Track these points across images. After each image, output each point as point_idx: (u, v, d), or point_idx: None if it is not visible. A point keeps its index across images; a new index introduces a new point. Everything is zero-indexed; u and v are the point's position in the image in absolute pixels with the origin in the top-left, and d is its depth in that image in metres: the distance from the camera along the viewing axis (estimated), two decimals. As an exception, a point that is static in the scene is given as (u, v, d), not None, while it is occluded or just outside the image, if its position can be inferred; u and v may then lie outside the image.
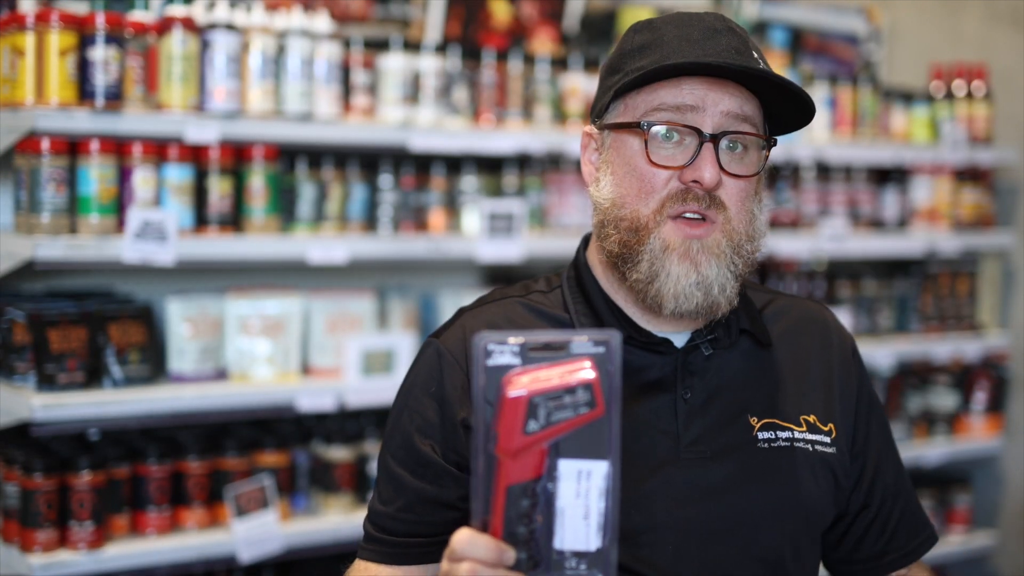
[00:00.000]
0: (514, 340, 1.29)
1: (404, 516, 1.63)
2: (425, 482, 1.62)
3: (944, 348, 4.25)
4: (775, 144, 1.65)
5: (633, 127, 1.62)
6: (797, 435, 1.67)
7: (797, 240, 3.88)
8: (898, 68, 4.91)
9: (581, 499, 1.29)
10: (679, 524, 1.60)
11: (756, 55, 1.62)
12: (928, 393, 4.34)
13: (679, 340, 1.67)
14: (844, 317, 3.83)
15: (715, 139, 1.58)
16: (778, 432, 1.67)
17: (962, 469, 4.47)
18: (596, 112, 1.70)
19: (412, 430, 1.65)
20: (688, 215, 1.58)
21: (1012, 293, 4.55)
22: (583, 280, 1.72)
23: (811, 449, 1.67)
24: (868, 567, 1.78)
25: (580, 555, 1.30)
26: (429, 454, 1.62)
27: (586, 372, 1.27)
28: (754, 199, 1.64)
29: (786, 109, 1.65)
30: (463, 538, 1.30)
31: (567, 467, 1.29)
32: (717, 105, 1.59)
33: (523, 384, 1.27)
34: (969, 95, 4.37)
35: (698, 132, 1.59)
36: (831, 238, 3.95)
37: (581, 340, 1.29)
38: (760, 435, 1.66)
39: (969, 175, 4.37)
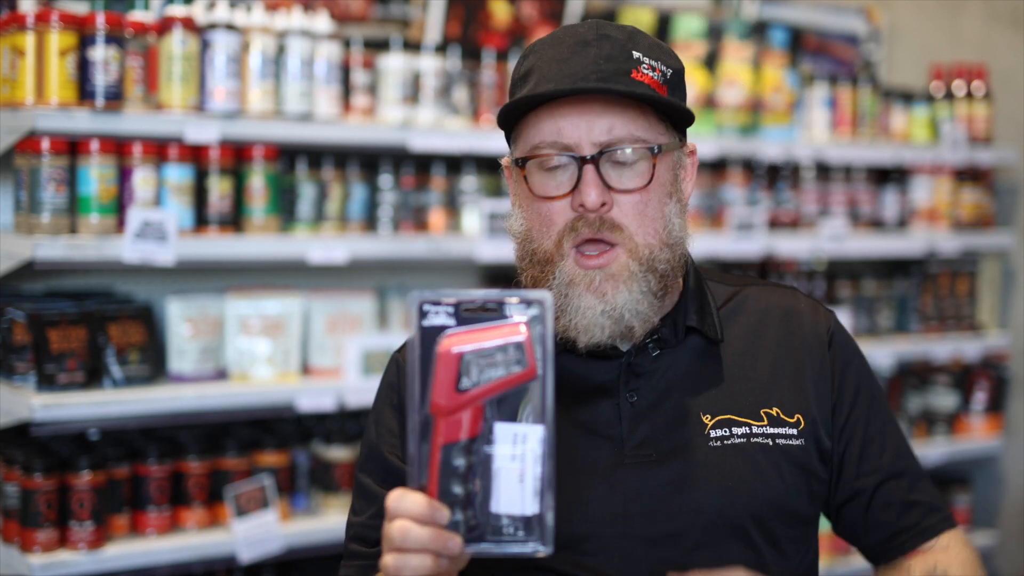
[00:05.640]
0: (448, 300, 1.31)
1: (375, 523, 1.62)
2: (391, 489, 1.63)
3: (944, 348, 4.25)
4: (661, 150, 1.60)
5: (517, 164, 1.62)
6: (755, 430, 1.63)
7: (797, 240, 3.88)
8: (898, 68, 4.91)
9: (517, 462, 1.31)
10: (625, 530, 1.57)
11: (638, 55, 1.59)
12: (928, 393, 4.34)
13: (626, 344, 1.65)
14: (844, 317, 3.83)
15: (594, 160, 1.56)
16: (733, 429, 1.62)
17: (962, 469, 4.47)
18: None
19: (378, 442, 1.69)
20: (588, 248, 1.57)
21: (1012, 293, 4.55)
22: None
23: (771, 444, 1.63)
24: (885, 550, 1.73)
25: (516, 520, 1.31)
26: (394, 463, 1.65)
27: (517, 331, 1.30)
28: (667, 203, 1.61)
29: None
30: (394, 496, 1.31)
31: (503, 430, 1.31)
32: (592, 124, 1.57)
33: (455, 342, 1.30)
34: (969, 95, 4.37)
35: (574, 156, 1.57)
36: (831, 238, 3.95)
37: (514, 301, 1.32)
38: (712, 433, 1.62)
39: (969, 175, 4.38)
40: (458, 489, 1.30)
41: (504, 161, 1.71)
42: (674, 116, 1.63)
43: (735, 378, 1.66)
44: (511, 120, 1.63)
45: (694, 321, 1.67)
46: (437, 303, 1.31)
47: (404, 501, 1.30)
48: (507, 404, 1.31)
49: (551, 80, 1.57)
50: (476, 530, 1.31)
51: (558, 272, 1.58)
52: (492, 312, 1.31)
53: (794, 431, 1.65)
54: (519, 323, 1.31)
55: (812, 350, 1.71)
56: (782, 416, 1.65)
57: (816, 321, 1.74)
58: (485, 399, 1.30)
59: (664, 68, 1.61)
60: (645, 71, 1.58)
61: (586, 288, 1.56)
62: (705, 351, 1.68)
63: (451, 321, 1.31)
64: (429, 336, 1.31)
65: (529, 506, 1.31)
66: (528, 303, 1.31)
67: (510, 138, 1.68)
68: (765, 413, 1.65)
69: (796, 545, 1.67)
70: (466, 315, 1.31)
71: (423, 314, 1.31)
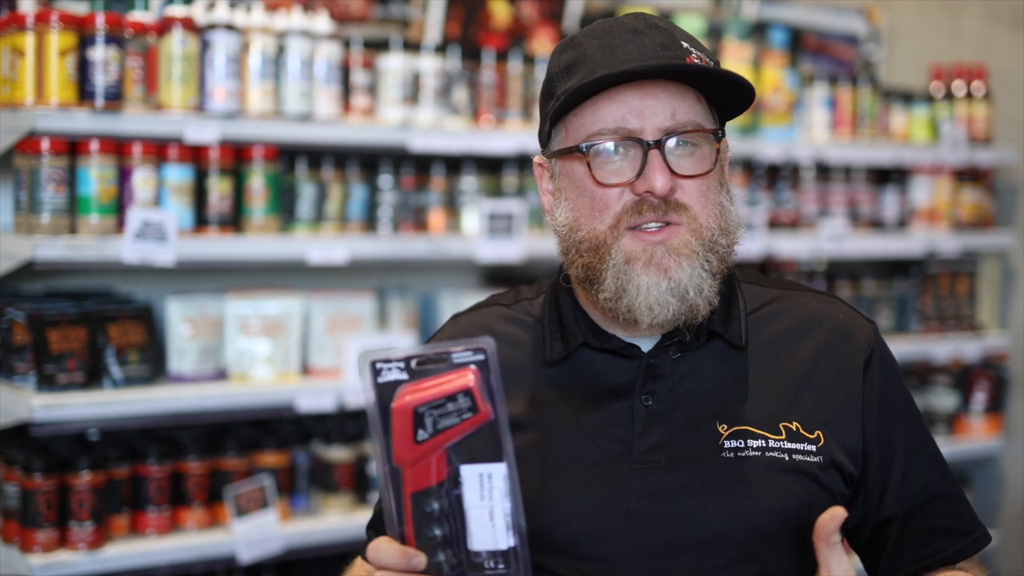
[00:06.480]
0: (398, 357, 1.36)
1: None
2: None
3: (944, 348, 4.25)
4: (723, 134, 1.61)
5: (575, 151, 1.59)
6: (772, 443, 1.57)
7: (797, 240, 3.88)
8: (898, 68, 4.91)
9: (486, 501, 1.36)
10: (625, 536, 1.54)
11: (687, 44, 1.58)
12: (928, 393, 4.34)
13: (647, 344, 1.62)
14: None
15: (659, 144, 1.54)
16: (748, 440, 1.57)
17: (962, 469, 4.47)
18: (542, 141, 1.69)
19: None
20: (646, 227, 1.54)
21: (1012, 293, 4.55)
22: (558, 289, 1.71)
23: (787, 459, 1.57)
24: (908, 571, 1.66)
25: (495, 555, 1.37)
26: None
27: (464, 379, 1.34)
28: (720, 192, 1.60)
29: (727, 94, 1.60)
30: (372, 547, 1.36)
31: (469, 472, 1.36)
32: (655, 109, 1.54)
33: (407, 396, 1.34)
34: (969, 95, 4.37)
35: (640, 141, 1.54)
36: (831, 238, 3.95)
37: (459, 350, 1.36)
38: (727, 443, 1.57)
39: (969, 175, 4.38)
40: (436, 531, 1.36)
41: (538, 158, 1.69)
42: (718, 107, 1.63)
43: (757, 387, 1.61)
44: (559, 113, 1.60)
45: (717, 325, 1.62)
46: (388, 361, 1.35)
47: (381, 552, 1.36)
48: (468, 447, 1.35)
49: (607, 67, 1.54)
50: (458, 568, 1.37)
51: (614, 252, 1.54)
52: (441, 363, 1.36)
53: (812, 447, 1.58)
54: (468, 371, 1.34)
55: (846, 367, 1.65)
56: (801, 431, 1.59)
57: (855, 335, 1.67)
58: (444, 446, 1.35)
59: (708, 60, 1.59)
60: (695, 60, 1.56)
61: (646, 264, 1.53)
62: (728, 357, 1.63)
63: (404, 376, 1.36)
64: (386, 392, 1.35)
65: (502, 540, 1.36)
66: (473, 350, 1.35)
67: (551, 132, 1.65)
68: (784, 427, 1.59)
69: (806, 563, 1.58)
70: (417, 368, 1.35)
71: (377, 372, 1.35)
